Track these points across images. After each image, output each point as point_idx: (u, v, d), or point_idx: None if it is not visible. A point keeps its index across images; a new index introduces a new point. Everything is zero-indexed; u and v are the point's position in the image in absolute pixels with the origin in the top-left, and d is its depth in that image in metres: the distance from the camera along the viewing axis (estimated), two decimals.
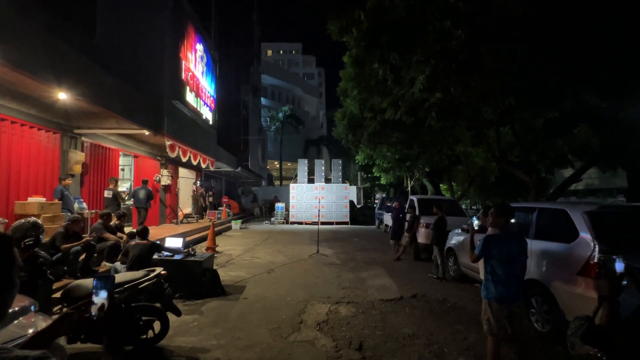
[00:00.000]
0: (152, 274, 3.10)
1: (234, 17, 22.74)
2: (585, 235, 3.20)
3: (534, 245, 3.83)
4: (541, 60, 4.99)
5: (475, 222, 3.21)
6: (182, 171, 14.19)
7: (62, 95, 5.82)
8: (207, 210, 14.64)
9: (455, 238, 6.26)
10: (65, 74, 5.58)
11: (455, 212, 8.79)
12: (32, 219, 3.00)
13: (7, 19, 4.58)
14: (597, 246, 3.02)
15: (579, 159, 7.78)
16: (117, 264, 4.62)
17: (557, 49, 4.87)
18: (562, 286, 3.33)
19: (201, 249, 8.22)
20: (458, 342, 3.59)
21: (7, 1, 4.79)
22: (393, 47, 4.41)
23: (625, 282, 1.49)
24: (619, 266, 1.51)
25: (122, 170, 10.35)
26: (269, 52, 56.99)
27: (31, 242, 2.92)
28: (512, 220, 3.62)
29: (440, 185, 18.10)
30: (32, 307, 2.07)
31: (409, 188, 17.03)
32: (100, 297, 0.92)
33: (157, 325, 3.20)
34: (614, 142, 6.97)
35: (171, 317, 3.41)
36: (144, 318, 3.05)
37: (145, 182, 9.49)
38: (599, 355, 1.21)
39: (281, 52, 59.52)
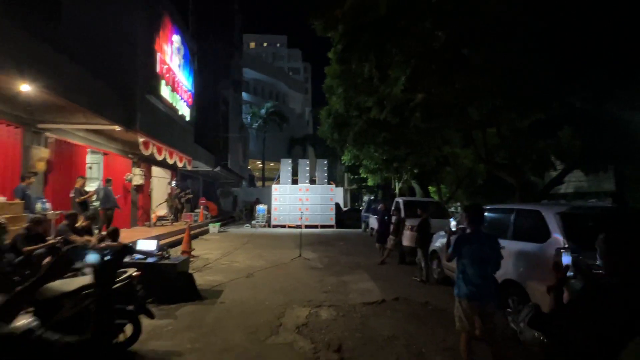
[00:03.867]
0: (124, 275, 3.18)
1: (213, 5, 22.64)
2: (557, 236, 3.50)
3: (512, 246, 4.12)
4: (527, 63, 5.34)
5: (453, 224, 3.46)
6: (156, 170, 14.06)
7: (25, 87, 5.76)
8: (183, 213, 14.54)
9: (440, 240, 6.56)
10: (27, 63, 5.51)
11: (441, 215, 9.14)
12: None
13: None
14: (567, 245, 3.31)
15: (563, 162, 8.28)
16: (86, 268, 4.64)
17: (543, 53, 5.23)
18: (536, 285, 3.62)
19: (176, 253, 8.22)
20: (437, 343, 3.82)
21: None
22: (371, 48, 4.66)
23: (571, 274, 1.73)
24: (566, 259, 1.75)
25: (90, 168, 10.18)
26: (252, 44, 56.77)
27: None
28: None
29: (429, 187, 18.58)
30: None
31: (397, 190, 17.42)
32: (92, 258, 1.08)
33: (129, 329, 3.28)
34: (596, 144, 7.47)
35: (144, 321, 3.49)
36: (116, 321, 3.13)
37: (108, 181, 9.19)
38: (541, 338, 1.44)
39: (265, 44, 59.39)
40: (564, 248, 1.95)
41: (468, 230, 3.25)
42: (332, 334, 3.97)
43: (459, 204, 18.70)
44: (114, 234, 4.70)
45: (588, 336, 1.26)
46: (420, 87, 5.04)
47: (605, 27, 4.64)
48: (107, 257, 1.00)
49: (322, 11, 4.76)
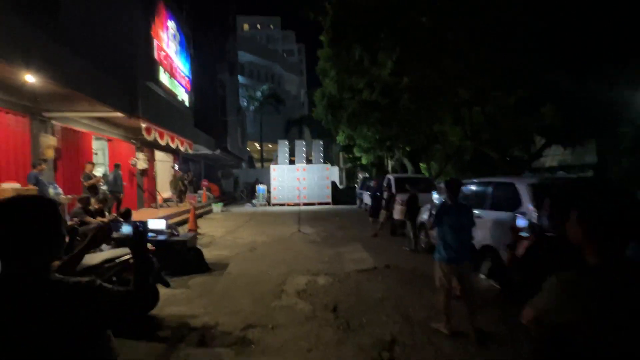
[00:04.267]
0: None
1: None
2: (528, 205, 3.76)
3: (490, 215, 4.40)
4: (511, 43, 5.43)
5: (435, 197, 3.70)
6: (159, 154, 14.15)
7: (30, 78, 5.79)
8: (187, 194, 14.76)
9: (427, 213, 6.85)
10: (33, 56, 5.55)
11: (430, 190, 9.42)
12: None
13: None
14: (536, 214, 3.58)
15: (543, 137, 8.50)
16: (103, 245, 4.89)
17: (527, 34, 5.31)
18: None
19: (183, 231, 8.50)
20: (422, 302, 4.16)
21: None
22: (357, 40, 4.73)
23: (526, 234, 1.98)
24: (521, 222, 1.99)
25: (96, 154, 10.28)
26: (246, 26, 55.02)
27: None
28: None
29: (420, 164, 18.82)
30: None
31: (390, 167, 17.66)
32: (126, 229, 1.31)
33: None
34: (576, 119, 7.65)
35: (161, 289, 3.78)
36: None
37: (117, 166, 9.37)
38: (495, 285, 1.70)
39: (258, 26, 57.56)
40: (521, 213, 2.18)
41: (448, 202, 3.50)
42: (329, 297, 4.30)
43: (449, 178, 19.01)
44: (126, 215, 4.92)
45: (529, 278, 1.51)
46: (406, 71, 5.15)
47: (581, 10, 4.72)
48: (139, 227, 1.20)
49: (309, 5, 4.81)
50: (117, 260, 3.39)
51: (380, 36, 4.71)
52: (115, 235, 3.38)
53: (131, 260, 3.39)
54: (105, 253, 3.53)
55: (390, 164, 17.83)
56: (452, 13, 4.15)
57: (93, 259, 3.22)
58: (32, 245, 0.89)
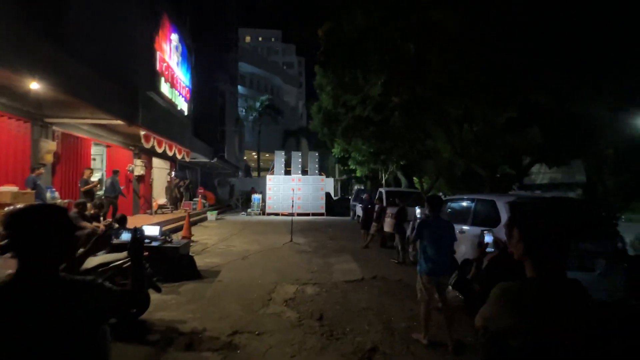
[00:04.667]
0: None
1: (209, 0, 22.40)
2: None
3: (471, 231, 4.58)
4: (495, 64, 5.70)
5: (418, 211, 3.88)
6: (156, 161, 14.25)
7: (34, 85, 5.95)
8: (182, 201, 14.82)
9: (409, 228, 7.02)
10: (36, 63, 5.72)
11: (420, 204, 9.61)
12: (21, 206, 3.36)
13: None
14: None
15: (528, 156, 8.77)
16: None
17: (509, 55, 5.60)
18: None
19: (177, 238, 8.56)
20: (405, 312, 4.29)
21: None
22: (344, 64, 4.99)
23: (491, 250, 2.14)
24: (488, 238, 2.16)
25: (94, 160, 10.37)
26: (247, 39, 56.03)
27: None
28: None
29: (414, 178, 19.09)
30: None
31: (384, 180, 17.88)
32: (125, 236, 1.44)
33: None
34: (559, 140, 7.94)
35: (152, 295, 3.87)
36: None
37: (115, 172, 9.45)
38: (459, 296, 1.85)
39: (260, 39, 58.64)
40: (487, 230, 2.33)
41: (429, 217, 3.67)
42: (315, 306, 4.41)
43: (441, 193, 19.32)
44: (121, 221, 5.02)
45: (487, 289, 1.66)
46: (394, 92, 5.40)
47: (559, 35, 5.02)
48: (138, 235, 1.34)
49: (307, 29, 5.12)
50: (111, 265, 3.49)
51: (368, 62, 4.97)
52: (115, 241, 3.57)
53: (124, 266, 3.50)
54: (99, 258, 3.63)
55: (384, 177, 18.06)
56: (435, 40, 4.41)
57: (88, 263, 3.32)
58: (45, 247, 1.04)
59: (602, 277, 3.58)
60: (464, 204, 5.26)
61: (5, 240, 1.02)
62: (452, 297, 1.99)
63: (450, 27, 4.17)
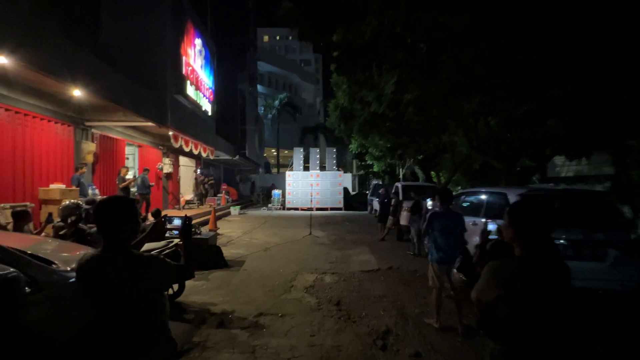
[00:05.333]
0: (171, 244, 3.92)
1: (229, 4, 22.89)
2: None
3: (489, 227, 4.66)
4: (508, 61, 5.66)
5: (429, 203, 4.03)
6: (183, 159, 14.93)
7: (77, 92, 6.50)
8: (207, 197, 15.46)
9: (421, 220, 7.11)
10: (79, 73, 6.23)
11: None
12: (75, 200, 3.80)
13: (31, 28, 5.22)
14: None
15: (546, 148, 8.57)
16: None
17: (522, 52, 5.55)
18: None
19: (204, 231, 9.06)
20: (418, 300, 4.46)
21: (28, 10, 5.43)
22: (358, 68, 5.14)
23: (495, 237, 2.30)
24: (491, 226, 2.32)
25: (127, 159, 11.06)
26: (265, 38, 56.61)
27: (74, 219, 3.73)
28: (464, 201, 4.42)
29: (432, 172, 18.91)
30: None
31: (401, 175, 17.84)
32: (177, 222, 1.76)
33: (175, 285, 4.05)
34: (577, 130, 7.74)
35: (185, 281, 4.25)
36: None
37: (146, 170, 10.08)
38: (463, 278, 2.05)
39: (277, 37, 59.05)
40: (490, 219, 2.46)
41: (439, 209, 3.82)
42: (333, 293, 4.66)
43: (460, 187, 19.07)
44: (157, 214, 5.46)
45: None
46: (406, 91, 5.51)
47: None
48: (187, 222, 1.63)
49: (323, 36, 5.30)
50: (155, 250, 3.87)
51: (381, 62, 5.10)
52: (168, 226, 4.00)
53: (164, 252, 3.89)
54: (144, 246, 4.03)
55: (401, 171, 18.01)
56: (445, 39, 4.47)
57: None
58: (122, 228, 1.34)
59: (613, 267, 3.61)
60: (478, 197, 5.33)
61: (94, 225, 1.34)
62: (456, 279, 2.18)
63: (458, 28, 4.22)
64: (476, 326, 1.66)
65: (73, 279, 1.93)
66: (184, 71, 10.32)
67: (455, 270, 2.24)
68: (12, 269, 1.70)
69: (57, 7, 7.34)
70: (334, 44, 5.25)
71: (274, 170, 38.90)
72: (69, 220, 3.66)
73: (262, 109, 37.30)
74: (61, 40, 5.96)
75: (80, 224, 3.73)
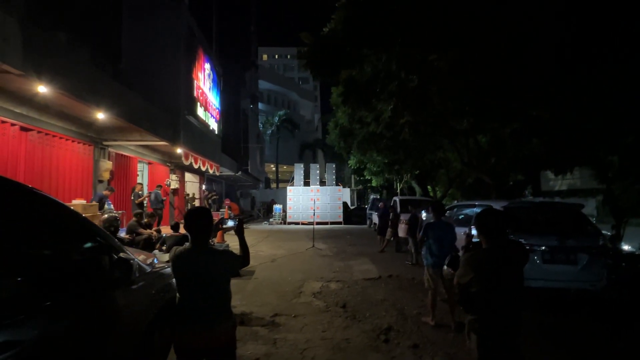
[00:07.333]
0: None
1: (232, 28, 24.06)
2: None
3: (472, 232, 5.20)
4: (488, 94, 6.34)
5: (424, 215, 4.57)
6: (188, 176, 15.48)
7: (101, 115, 7.09)
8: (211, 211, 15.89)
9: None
10: (104, 97, 6.81)
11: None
12: (115, 214, 4.32)
13: (67, 58, 5.83)
14: None
15: (531, 165, 9.23)
16: (156, 252, 5.91)
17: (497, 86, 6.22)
18: None
19: (213, 243, 9.50)
20: (416, 303, 4.94)
21: (65, 41, 6.07)
22: (359, 102, 5.84)
23: (477, 240, 2.83)
24: (474, 231, 2.86)
25: (138, 175, 11.59)
26: (265, 57, 58.38)
27: (112, 229, 4.24)
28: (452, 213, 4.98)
29: (428, 186, 19.54)
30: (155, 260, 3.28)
31: (398, 190, 18.44)
32: (231, 223, 2.30)
33: None
34: (556, 149, 8.41)
35: None
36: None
37: (158, 187, 10.64)
38: (452, 272, 2.58)
39: (276, 56, 60.89)
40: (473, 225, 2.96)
41: (433, 220, 4.36)
42: (339, 298, 5.13)
43: (456, 201, 19.67)
44: (176, 227, 5.95)
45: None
46: (401, 116, 6.18)
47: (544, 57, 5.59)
48: (237, 222, 2.18)
49: (332, 74, 6.07)
50: None
51: (379, 94, 5.80)
52: (223, 226, 4.64)
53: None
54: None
55: (398, 186, 18.61)
56: (434, 73, 5.13)
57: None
58: (203, 230, 1.88)
59: (584, 270, 4.14)
60: (468, 209, 5.89)
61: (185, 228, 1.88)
62: (446, 274, 2.73)
63: (444, 64, 4.89)
64: (458, 303, 2.20)
65: (150, 270, 2.46)
66: (195, 94, 11.02)
67: (445, 267, 2.79)
68: (131, 256, 2.23)
69: (85, 37, 8.04)
70: (340, 81, 5.96)
71: (273, 185, 39.42)
72: (110, 231, 4.16)
73: (262, 125, 38.21)
74: (89, 67, 6.59)
75: (118, 234, 4.23)
